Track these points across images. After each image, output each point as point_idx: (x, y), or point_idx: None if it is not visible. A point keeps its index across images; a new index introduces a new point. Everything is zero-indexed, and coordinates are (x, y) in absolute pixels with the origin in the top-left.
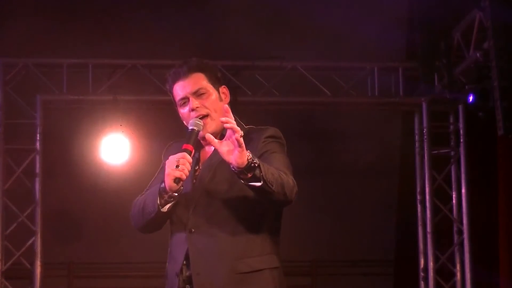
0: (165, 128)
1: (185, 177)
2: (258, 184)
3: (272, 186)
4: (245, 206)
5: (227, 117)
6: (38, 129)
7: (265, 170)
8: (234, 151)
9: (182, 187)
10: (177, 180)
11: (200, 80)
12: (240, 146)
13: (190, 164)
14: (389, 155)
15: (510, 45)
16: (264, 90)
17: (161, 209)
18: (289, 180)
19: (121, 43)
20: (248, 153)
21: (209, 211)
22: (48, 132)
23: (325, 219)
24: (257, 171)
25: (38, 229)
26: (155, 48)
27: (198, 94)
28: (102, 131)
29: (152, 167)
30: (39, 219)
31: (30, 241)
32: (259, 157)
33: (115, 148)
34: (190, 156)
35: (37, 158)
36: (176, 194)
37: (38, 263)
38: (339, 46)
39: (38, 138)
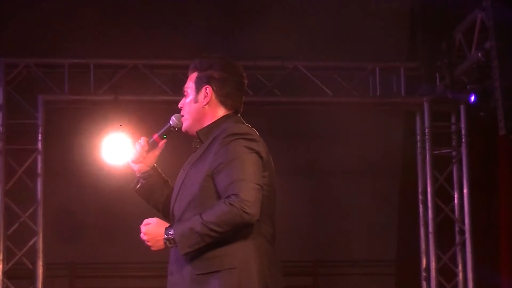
0: None
1: (135, 160)
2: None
3: (199, 244)
4: (204, 209)
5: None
6: (40, 129)
7: (184, 242)
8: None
9: (146, 171)
10: (131, 162)
11: (189, 80)
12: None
13: (144, 150)
14: (391, 155)
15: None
16: (265, 90)
17: (135, 187)
18: (227, 215)
19: (122, 43)
20: (164, 240)
21: (179, 211)
22: (50, 132)
23: (326, 219)
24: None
25: (40, 229)
26: (156, 48)
27: (184, 93)
28: (104, 131)
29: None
30: (40, 219)
31: (32, 241)
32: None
33: (116, 148)
34: (156, 146)
35: (39, 158)
36: (139, 175)
37: (40, 263)
38: (340, 46)
39: (39, 138)
